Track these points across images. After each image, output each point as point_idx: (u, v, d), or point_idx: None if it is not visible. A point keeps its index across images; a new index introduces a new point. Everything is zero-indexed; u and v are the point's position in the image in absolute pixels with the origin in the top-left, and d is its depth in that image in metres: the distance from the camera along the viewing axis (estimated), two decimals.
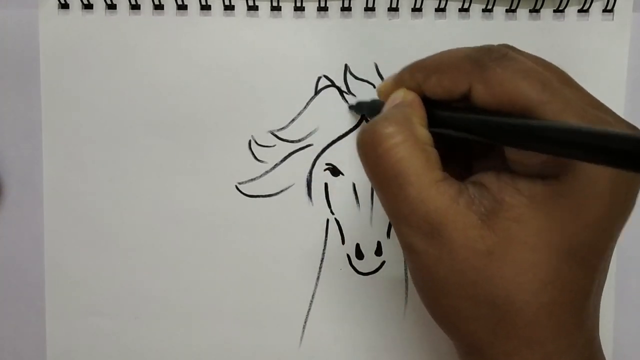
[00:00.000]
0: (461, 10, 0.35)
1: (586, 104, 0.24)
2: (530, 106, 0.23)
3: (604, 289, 0.36)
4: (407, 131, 0.24)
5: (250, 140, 0.35)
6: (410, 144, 0.24)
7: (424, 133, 0.25)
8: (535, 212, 0.23)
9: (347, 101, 0.35)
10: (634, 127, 0.25)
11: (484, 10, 0.35)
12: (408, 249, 0.25)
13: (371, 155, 0.25)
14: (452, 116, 0.26)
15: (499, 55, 0.25)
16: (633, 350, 0.37)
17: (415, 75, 0.27)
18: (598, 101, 0.25)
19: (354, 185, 0.35)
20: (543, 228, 0.23)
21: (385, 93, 0.29)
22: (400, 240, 0.25)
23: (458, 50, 0.26)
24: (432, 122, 0.26)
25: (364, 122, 0.35)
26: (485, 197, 0.24)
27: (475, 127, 0.24)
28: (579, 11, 0.35)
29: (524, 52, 0.27)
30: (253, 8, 0.35)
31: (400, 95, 0.27)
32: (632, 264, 0.36)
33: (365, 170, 0.25)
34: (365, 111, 0.34)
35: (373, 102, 0.32)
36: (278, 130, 0.35)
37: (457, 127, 0.25)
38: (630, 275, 0.36)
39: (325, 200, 0.36)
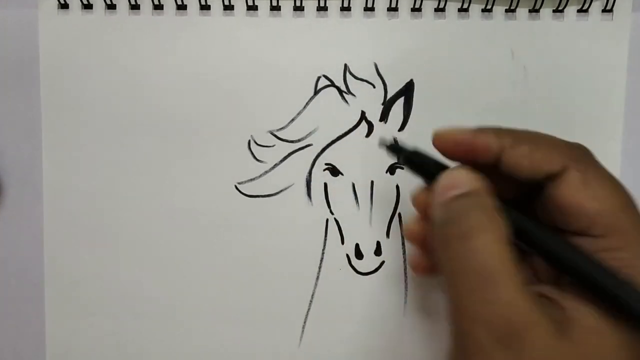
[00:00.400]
0: (460, 10, 0.35)
1: None
2: (617, 209, 0.23)
3: None
4: (500, 229, 0.23)
5: (249, 140, 0.35)
6: (503, 242, 0.22)
7: (507, 230, 0.23)
8: (611, 326, 0.22)
9: (346, 101, 0.35)
10: None
11: (483, 10, 0.35)
12: (476, 350, 0.22)
13: (459, 248, 0.23)
14: (523, 221, 0.24)
15: (592, 156, 0.25)
16: None
17: (502, 137, 0.25)
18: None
19: (353, 185, 0.35)
20: (621, 342, 0.22)
21: (453, 139, 0.26)
22: (466, 340, 0.22)
23: (553, 135, 0.26)
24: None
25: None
26: (552, 306, 0.23)
27: (540, 242, 0.23)
28: (578, 11, 0.35)
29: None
30: (252, 8, 0.35)
31: (464, 179, 0.24)
32: None
33: (445, 262, 0.23)
34: (413, 166, 0.28)
35: (427, 158, 0.27)
36: (277, 130, 0.35)
37: (526, 235, 0.24)
38: None
39: (324, 200, 0.36)
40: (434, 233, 0.25)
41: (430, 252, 0.29)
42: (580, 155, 0.25)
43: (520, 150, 0.25)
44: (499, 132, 0.25)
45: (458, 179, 0.25)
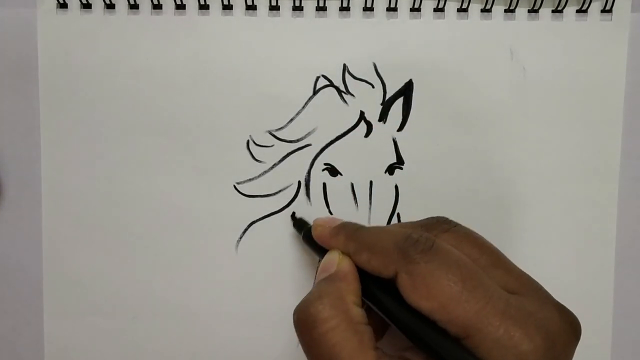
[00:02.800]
0: (460, 10, 0.35)
1: (515, 289, 0.25)
2: (449, 304, 0.23)
3: (602, 289, 0.36)
4: (342, 314, 0.25)
5: (248, 140, 0.35)
6: (344, 327, 0.25)
7: (357, 313, 0.26)
8: None
9: (345, 101, 0.35)
10: (562, 308, 0.25)
11: (482, 10, 0.35)
12: None
13: (307, 337, 0.25)
14: (380, 299, 0.26)
15: (426, 248, 0.25)
16: (632, 351, 0.37)
17: (348, 244, 0.28)
18: (529, 280, 0.26)
19: (352, 185, 0.35)
20: None
21: (320, 238, 0.30)
22: None
23: (392, 233, 0.27)
24: (367, 294, 0.27)
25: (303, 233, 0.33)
26: None
27: (395, 319, 0.25)
28: (577, 11, 0.35)
29: (459, 229, 0.28)
30: (251, 8, 0.35)
31: (335, 262, 0.28)
32: (630, 266, 0.36)
33: (303, 349, 0.26)
34: (301, 234, 0.33)
35: (308, 230, 0.32)
36: (276, 130, 0.35)
37: (383, 311, 0.26)
38: (629, 276, 0.36)
39: (323, 200, 0.36)
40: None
41: None
42: (411, 252, 0.25)
43: (361, 258, 0.27)
44: (348, 236, 0.28)
45: (328, 263, 0.28)
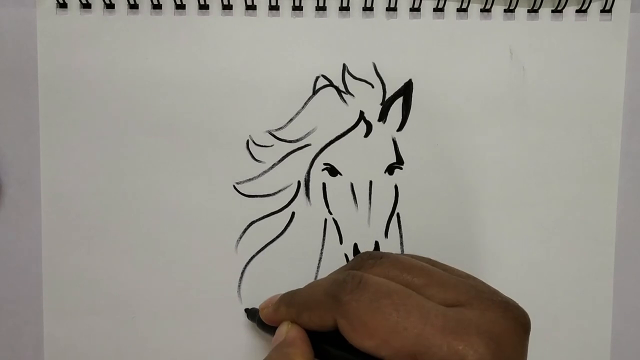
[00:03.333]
0: (459, 10, 0.35)
1: (454, 301, 0.25)
2: (390, 337, 0.24)
3: (602, 289, 0.36)
4: None
5: (248, 140, 0.35)
6: None
7: None
8: None
9: (345, 101, 0.35)
10: (506, 305, 0.25)
11: (482, 10, 0.35)
12: None
13: None
14: (331, 353, 0.27)
15: (353, 286, 0.25)
16: (631, 351, 0.37)
17: (289, 311, 0.29)
18: (467, 287, 0.26)
19: (352, 185, 0.35)
20: None
21: (267, 318, 0.31)
22: None
23: (320, 284, 0.28)
24: (319, 353, 0.28)
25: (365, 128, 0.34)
26: None
27: None
28: (577, 11, 0.35)
29: (385, 259, 0.28)
30: (251, 7, 0.35)
31: (284, 330, 0.29)
32: (629, 266, 0.36)
33: None
34: (256, 322, 0.34)
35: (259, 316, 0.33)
36: (276, 130, 0.35)
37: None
38: (629, 276, 0.36)
39: (323, 200, 0.36)
40: None
41: None
42: (341, 295, 0.25)
43: (303, 319, 0.28)
44: (287, 304, 0.30)
45: (278, 334, 0.29)
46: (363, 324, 0.24)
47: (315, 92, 0.35)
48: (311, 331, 0.28)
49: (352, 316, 0.25)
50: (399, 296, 0.25)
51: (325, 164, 0.35)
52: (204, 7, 0.35)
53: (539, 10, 0.35)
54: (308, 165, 0.35)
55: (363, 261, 0.28)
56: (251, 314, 0.35)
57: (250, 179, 0.35)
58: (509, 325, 0.24)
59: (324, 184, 0.36)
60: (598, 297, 0.36)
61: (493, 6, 0.35)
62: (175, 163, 0.35)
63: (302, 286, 0.35)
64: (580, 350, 0.36)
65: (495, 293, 0.26)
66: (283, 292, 0.36)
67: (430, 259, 0.29)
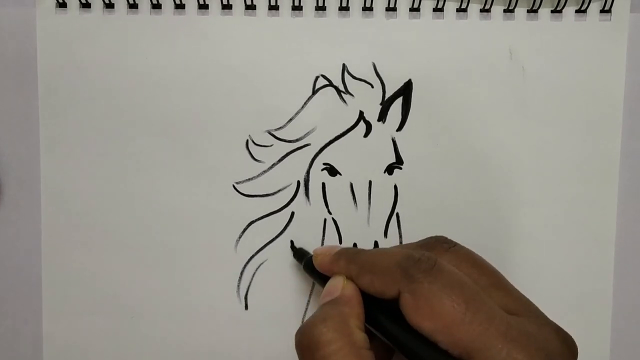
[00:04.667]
0: (459, 10, 0.35)
1: (514, 310, 0.25)
2: (452, 325, 0.23)
3: (602, 289, 0.36)
4: (345, 338, 0.25)
5: (247, 140, 0.35)
6: (346, 351, 0.25)
7: (360, 337, 0.26)
8: None
9: (345, 101, 0.35)
10: (559, 329, 0.25)
11: (481, 10, 0.35)
12: None
13: (309, 356, 0.25)
14: (382, 322, 0.27)
15: (428, 267, 0.25)
16: (631, 351, 0.37)
17: (350, 267, 0.28)
18: (527, 302, 0.26)
19: (351, 185, 0.35)
20: None
21: (321, 266, 0.31)
22: None
23: (393, 253, 0.27)
24: (370, 318, 0.27)
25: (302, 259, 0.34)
26: None
27: (397, 341, 0.25)
28: (576, 11, 0.35)
29: (458, 248, 0.28)
30: (251, 7, 0.35)
31: (339, 286, 0.28)
32: (629, 265, 0.36)
33: None
34: (303, 264, 0.34)
35: (309, 259, 0.33)
36: (275, 129, 0.35)
37: (386, 335, 0.26)
38: (628, 276, 0.36)
39: (322, 200, 0.36)
40: None
41: None
42: (413, 272, 0.25)
43: (364, 280, 0.27)
44: (349, 260, 0.29)
45: (332, 287, 0.29)
46: (429, 305, 0.24)
47: (314, 92, 0.35)
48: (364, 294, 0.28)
49: (419, 295, 0.24)
50: (469, 290, 0.24)
51: (324, 164, 0.35)
52: (203, 6, 0.35)
53: (539, 11, 0.35)
54: (307, 165, 0.35)
55: (438, 243, 0.28)
56: (299, 254, 0.34)
57: (249, 179, 0.35)
58: (562, 348, 0.24)
59: (323, 184, 0.36)
60: (598, 297, 0.36)
61: (492, 6, 0.35)
62: (174, 162, 0.35)
63: (301, 287, 0.35)
64: (580, 350, 0.36)
65: (546, 316, 0.26)
66: (282, 291, 0.36)
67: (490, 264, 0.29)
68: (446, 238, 0.29)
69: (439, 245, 0.28)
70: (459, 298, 0.24)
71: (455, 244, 0.28)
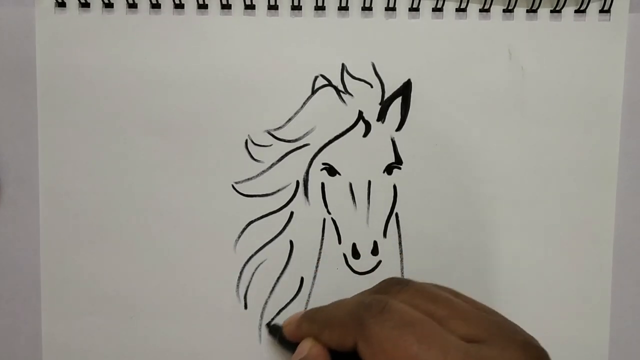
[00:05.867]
0: (458, 10, 0.35)
1: (475, 336, 0.25)
2: None
3: (600, 289, 0.36)
4: None
5: (246, 140, 0.35)
6: None
7: None
8: None
9: (344, 101, 0.35)
10: (527, 345, 0.25)
11: (481, 10, 0.35)
12: None
13: None
14: None
15: (378, 310, 0.26)
16: (630, 351, 0.37)
17: (312, 327, 0.29)
18: (489, 323, 0.26)
19: (350, 185, 0.35)
20: None
21: (290, 334, 0.32)
22: None
23: (345, 304, 0.28)
24: None
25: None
26: None
27: None
28: (575, 11, 0.35)
29: (411, 286, 0.28)
30: (250, 7, 0.35)
31: (306, 348, 0.29)
32: (628, 265, 0.36)
33: None
34: (277, 340, 0.34)
35: (281, 332, 0.33)
36: (275, 129, 0.35)
37: None
38: (627, 275, 0.36)
39: (322, 200, 0.36)
40: None
41: None
42: (365, 318, 0.25)
43: (324, 337, 0.28)
44: (310, 320, 0.30)
45: (301, 349, 0.30)
46: (383, 350, 0.24)
47: (314, 91, 0.35)
48: (332, 351, 0.28)
49: (373, 341, 0.25)
50: (422, 327, 0.25)
51: (324, 164, 0.35)
52: (202, 6, 0.35)
53: (538, 11, 0.35)
54: (307, 165, 0.35)
55: (389, 286, 0.28)
56: (273, 330, 0.35)
57: (249, 179, 0.35)
58: None
59: (322, 184, 0.36)
60: (596, 297, 0.36)
61: (492, 6, 0.35)
62: (173, 162, 0.35)
63: (300, 286, 0.35)
64: (579, 350, 0.36)
65: (516, 332, 0.26)
66: (281, 292, 0.36)
67: (453, 290, 0.29)
68: (399, 279, 0.29)
69: (391, 287, 0.28)
70: (411, 337, 0.24)
71: (407, 282, 0.28)
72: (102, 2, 0.35)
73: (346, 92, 0.35)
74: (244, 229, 0.36)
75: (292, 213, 0.36)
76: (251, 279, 0.36)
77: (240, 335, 0.36)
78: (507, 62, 0.35)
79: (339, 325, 0.27)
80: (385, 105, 0.35)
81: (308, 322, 0.30)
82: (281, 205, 0.36)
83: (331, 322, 0.28)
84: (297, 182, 0.35)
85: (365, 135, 0.35)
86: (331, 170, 0.35)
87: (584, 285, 0.36)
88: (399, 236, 0.36)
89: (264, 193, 0.35)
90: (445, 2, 0.35)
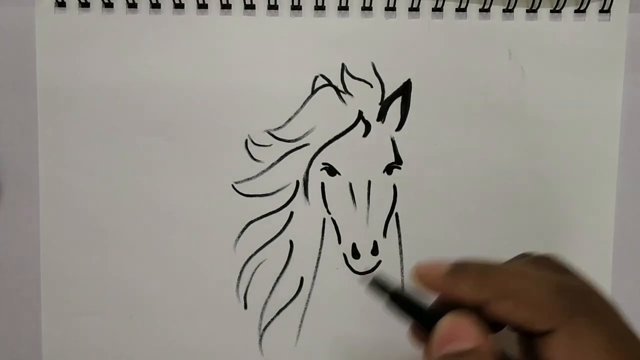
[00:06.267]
0: (458, 10, 0.35)
1: None
2: None
3: (600, 289, 0.36)
4: None
5: (246, 140, 0.35)
6: None
7: None
8: None
9: (344, 101, 0.35)
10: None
11: (481, 10, 0.35)
12: None
13: None
14: None
15: (583, 302, 0.22)
16: None
17: (482, 290, 0.22)
18: None
19: (350, 185, 0.35)
20: None
21: (432, 285, 0.24)
22: None
23: (539, 279, 0.22)
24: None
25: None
26: None
27: None
28: (575, 11, 0.35)
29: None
30: (250, 7, 0.35)
31: (470, 331, 0.22)
32: (627, 265, 0.36)
33: None
34: (388, 298, 0.25)
35: (413, 302, 0.25)
36: (275, 129, 0.35)
37: None
38: (627, 275, 0.36)
39: (321, 200, 0.36)
40: None
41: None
42: (576, 309, 0.22)
43: (502, 307, 0.22)
44: (479, 281, 0.23)
45: (459, 331, 0.22)
46: (589, 351, 0.21)
47: (314, 91, 0.35)
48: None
49: (578, 339, 0.21)
50: (630, 348, 0.22)
51: (323, 164, 0.35)
52: (202, 6, 0.35)
53: (538, 10, 0.35)
54: (307, 164, 0.35)
55: (546, 259, 0.25)
56: (379, 285, 0.25)
57: (249, 179, 0.35)
58: None
59: (322, 184, 0.36)
60: None
61: (492, 6, 0.35)
62: (173, 162, 0.35)
63: (298, 286, 0.35)
64: None
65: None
66: (281, 291, 0.36)
67: None
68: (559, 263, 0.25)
69: (546, 260, 0.24)
70: (617, 351, 0.21)
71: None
72: (102, 2, 0.35)
73: (346, 92, 0.35)
74: (244, 229, 0.36)
75: (292, 213, 0.36)
76: (251, 278, 0.36)
77: (240, 335, 0.36)
78: (507, 62, 0.35)
79: (537, 302, 0.22)
80: (385, 105, 0.35)
81: (474, 281, 0.23)
82: (281, 205, 0.36)
83: (521, 295, 0.22)
84: (297, 182, 0.35)
85: (365, 135, 0.35)
86: (331, 170, 0.35)
87: None
88: (399, 236, 0.36)
89: (264, 193, 0.35)
90: (445, 2, 0.35)
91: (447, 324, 0.23)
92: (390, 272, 0.35)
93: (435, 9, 0.35)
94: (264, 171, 0.35)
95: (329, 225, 0.36)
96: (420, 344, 0.25)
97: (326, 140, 0.35)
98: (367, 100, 0.35)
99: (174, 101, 0.35)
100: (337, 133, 0.35)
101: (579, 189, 0.36)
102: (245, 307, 0.36)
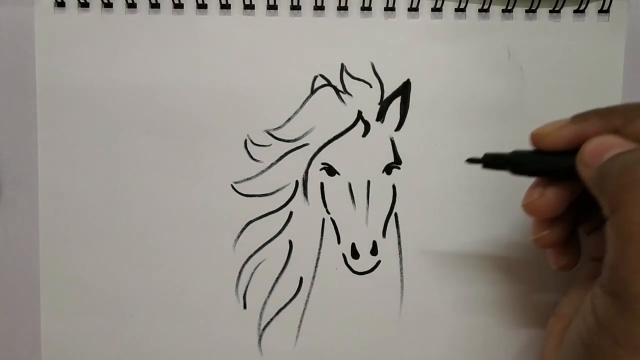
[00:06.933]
0: (457, 10, 0.35)
1: None
2: None
3: None
4: None
5: (246, 140, 0.35)
6: None
7: None
8: None
9: (343, 101, 0.35)
10: None
11: (480, 10, 0.35)
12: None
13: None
14: None
15: None
16: None
17: (612, 120, 0.24)
18: None
19: (349, 185, 0.35)
20: None
21: (559, 138, 0.26)
22: (629, 288, 0.21)
23: None
24: None
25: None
26: None
27: None
28: (575, 11, 0.35)
29: None
30: (249, 7, 0.35)
31: (621, 142, 0.24)
32: None
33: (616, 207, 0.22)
34: (513, 164, 0.28)
35: (518, 154, 0.28)
36: (274, 129, 0.35)
37: None
38: None
39: (321, 200, 0.36)
40: (602, 186, 0.23)
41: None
42: None
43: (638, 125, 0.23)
44: (602, 115, 0.25)
45: (610, 142, 0.24)
46: None
47: (313, 91, 0.35)
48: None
49: None
50: None
51: (323, 164, 0.35)
52: (202, 6, 0.35)
53: (537, 10, 0.35)
54: (306, 164, 0.35)
55: None
56: (493, 159, 0.28)
57: (248, 179, 0.35)
58: None
59: (321, 184, 0.36)
60: None
61: (491, 6, 0.35)
62: (173, 162, 0.35)
63: (297, 287, 0.35)
64: None
65: None
66: (281, 291, 0.36)
67: None
68: None
69: None
70: None
71: None
72: (101, 2, 0.35)
73: (345, 92, 0.35)
74: (243, 229, 0.36)
75: (291, 213, 0.36)
76: (250, 278, 0.36)
77: (239, 335, 0.36)
78: (506, 62, 0.35)
79: None
80: (384, 105, 0.35)
81: (602, 113, 0.25)
82: (280, 205, 0.36)
83: None
84: (297, 182, 0.36)
85: (364, 135, 0.35)
86: (330, 170, 0.35)
87: None
88: (398, 236, 0.36)
89: (263, 193, 0.35)
90: (445, 2, 0.35)
91: (595, 141, 0.25)
92: (390, 272, 0.35)
93: (434, 9, 0.35)
94: (263, 171, 0.35)
95: (328, 225, 0.36)
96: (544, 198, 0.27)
97: (325, 140, 0.35)
98: (367, 100, 0.35)
99: (173, 101, 0.35)
100: (336, 133, 0.35)
101: None
102: (245, 306, 0.36)
